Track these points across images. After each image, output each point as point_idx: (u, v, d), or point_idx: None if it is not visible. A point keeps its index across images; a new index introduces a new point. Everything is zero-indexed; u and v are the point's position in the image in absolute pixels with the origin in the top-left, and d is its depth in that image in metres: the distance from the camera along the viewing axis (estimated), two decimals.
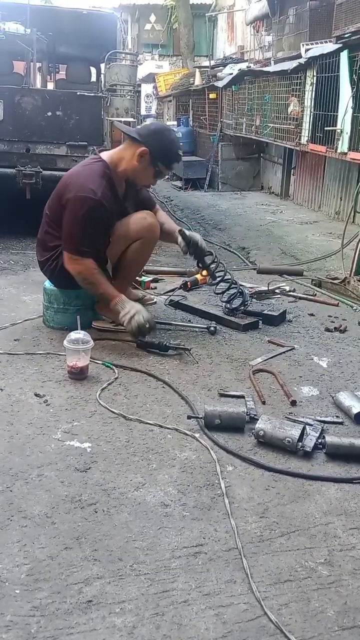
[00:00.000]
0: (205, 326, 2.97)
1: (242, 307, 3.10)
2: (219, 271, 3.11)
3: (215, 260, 3.08)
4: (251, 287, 3.62)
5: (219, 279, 3.13)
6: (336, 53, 5.57)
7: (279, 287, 3.57)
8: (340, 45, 5.55)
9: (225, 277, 3.16)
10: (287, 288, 3.69)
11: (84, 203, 2.59)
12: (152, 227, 2.83)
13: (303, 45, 6.92)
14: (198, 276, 3.67)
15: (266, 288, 3.42)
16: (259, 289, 3.51)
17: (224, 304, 3.15)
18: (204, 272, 3.44)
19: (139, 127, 2.85)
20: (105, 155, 2.77)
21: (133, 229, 2.80)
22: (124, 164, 2.71)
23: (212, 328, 2.94)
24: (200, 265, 3.08)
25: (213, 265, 3.07)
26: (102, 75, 6.56)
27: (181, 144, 2.78)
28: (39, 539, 1.52)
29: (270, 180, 9.27)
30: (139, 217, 2.84)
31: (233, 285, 3.16)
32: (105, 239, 2.76)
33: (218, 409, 2.08)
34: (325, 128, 5.85)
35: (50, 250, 2.80)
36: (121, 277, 2.89)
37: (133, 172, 2.72)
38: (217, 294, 3.23)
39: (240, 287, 3.16)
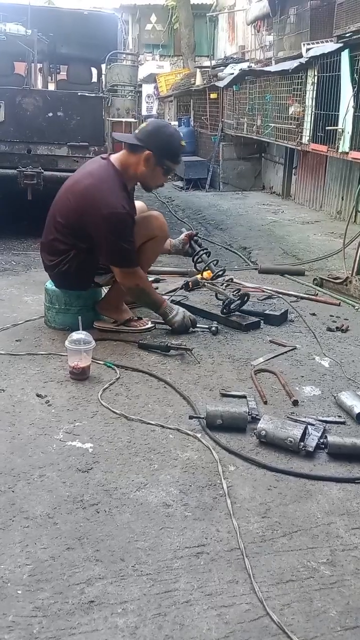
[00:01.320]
0: (207, 326, 2.97)
1: (235, 308, 3.11)
2: (203, 251, 3.22)
3: (205, 250, 3.23)
4: (253, 288, 3.62)
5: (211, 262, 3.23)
6: (337, 52, 5.57)
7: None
8: (341, 44, 5.56)
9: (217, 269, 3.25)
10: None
11: (119, 219, 2.61)
12: (164, 226, 2.98)
13: (304, 44, 6.92)
14: (199, 276, 3.67)
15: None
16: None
17: (222, 304, 3.14)
18: (205, 274, 3.46)
19: (136, 131, 2.86)
20: (115, 162, 2.75)
21: (146, 229, 2.88)
22: (132, 170, 2.73)
23: (214, 328, 2.94)
24: (193, 252, 3.22)
25: (201, 252, 3.20)
26: (103, 76, 6.57)
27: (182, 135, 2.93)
28: (40, 539, 1.52)
29: (272, 180, 9.27)
30: (151, 217, 2.94)
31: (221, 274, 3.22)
32: None
33: (220, 409, 2.08)
34: (327, 127, 5.85)
35: (60, 255, 2.78)
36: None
37: (143, 176, 2.76)
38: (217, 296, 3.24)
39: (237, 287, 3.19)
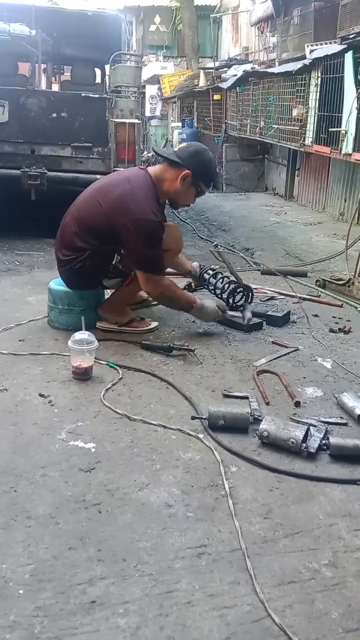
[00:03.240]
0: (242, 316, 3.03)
1: (239, 303, 3.14)
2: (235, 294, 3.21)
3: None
4: (256, 289, 3.62)
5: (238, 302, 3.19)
6: (341, 54, 5.57)
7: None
8: (345, 46, 5.55)
9: (226, 275, 3.24)
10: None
11: (149, 226, 2.63)
12: (179, 239, 3.09)
13: (308, 46, 6.92)
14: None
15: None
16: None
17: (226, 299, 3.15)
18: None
19: (176, 149, 2.92)
20: (152, 173, 2.78)
21: (164, 240, 2.86)
22: (166, 185, 2.78)
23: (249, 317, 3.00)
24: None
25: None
26: (106, 77, 6.58)
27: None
28: (43, 539, 1.52)
29: (275, 182, 9.26)
30: (168, 230, 2.94)
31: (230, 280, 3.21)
32: None
33: (222, 410, 2.08)
34: (330, 129, 5.85)
35: (77, 251, 2.78)
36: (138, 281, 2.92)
37: (176, 193, 2.80)
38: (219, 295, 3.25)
39: (245, 284, 3.19)
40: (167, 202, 2.97)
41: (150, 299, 3.23)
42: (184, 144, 2.95)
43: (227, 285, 3.15)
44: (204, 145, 3.05)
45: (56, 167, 4.94)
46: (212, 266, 3.39)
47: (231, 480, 1.79)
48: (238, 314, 3.05)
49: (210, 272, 3.29)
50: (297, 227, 6.37)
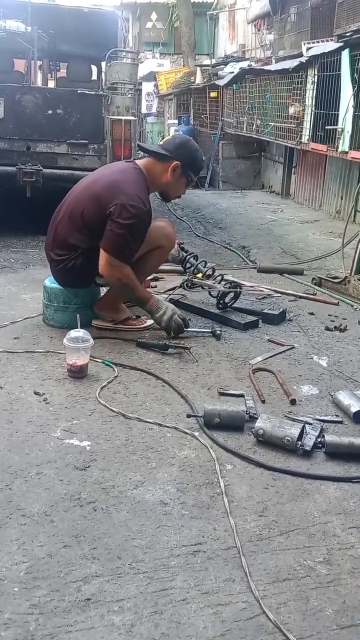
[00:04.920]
0: (210, 330, 2.93)
1: (230, 302, 3.15)
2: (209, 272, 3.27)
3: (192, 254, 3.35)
4: (251, 286, 3.63)
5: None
6: (337, 52, 5.56)
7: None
8: (341, 44, 5.55)
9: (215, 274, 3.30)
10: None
11: (135, 212, 2.61)
12: (172, 236, 3.06)
13: (304, 43, 6.91)
14: (198, 275, 3.67)
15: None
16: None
17: (217, 299, 3.16)
18: (199, 275, 3.49)
19: (160, 142, 2.92)
20: (142, 166, 2.79)
21: (156, 236, 2.89)
22: (157, 178, 2.79)
23: (218, 332, 2.89)
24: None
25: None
26: (102, 74, 6.55)
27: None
28: (37, 537, 1.52)
29: (271, 179, 9.26)
30: (160, 226, 2.96)
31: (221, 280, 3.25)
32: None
33: (217, 408, 2.08)
34: (326, 127, 5.84)
35: (70, 250, 2.76)
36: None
37: (167, 185, 2.82)
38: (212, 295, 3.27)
39: (235, 283, 3.21)
40: (157, 195, 2.97)
41: None
42: (168, 137, 2.97)
43: (217, 281, 3.19)
44: (188, 137, 3.07)
45: (52, 164, 4.93)
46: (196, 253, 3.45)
47: (226, 478, 1.80)
48: (204, 328, 2.96)
49: (196, 257, 3.33)
50: (293, 225, 6.37)
